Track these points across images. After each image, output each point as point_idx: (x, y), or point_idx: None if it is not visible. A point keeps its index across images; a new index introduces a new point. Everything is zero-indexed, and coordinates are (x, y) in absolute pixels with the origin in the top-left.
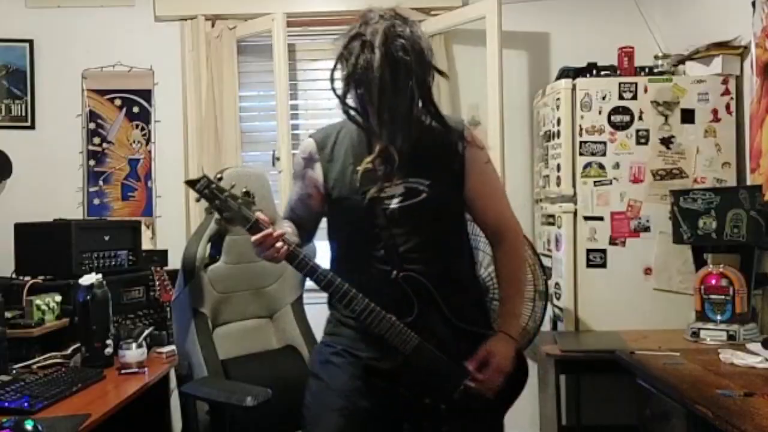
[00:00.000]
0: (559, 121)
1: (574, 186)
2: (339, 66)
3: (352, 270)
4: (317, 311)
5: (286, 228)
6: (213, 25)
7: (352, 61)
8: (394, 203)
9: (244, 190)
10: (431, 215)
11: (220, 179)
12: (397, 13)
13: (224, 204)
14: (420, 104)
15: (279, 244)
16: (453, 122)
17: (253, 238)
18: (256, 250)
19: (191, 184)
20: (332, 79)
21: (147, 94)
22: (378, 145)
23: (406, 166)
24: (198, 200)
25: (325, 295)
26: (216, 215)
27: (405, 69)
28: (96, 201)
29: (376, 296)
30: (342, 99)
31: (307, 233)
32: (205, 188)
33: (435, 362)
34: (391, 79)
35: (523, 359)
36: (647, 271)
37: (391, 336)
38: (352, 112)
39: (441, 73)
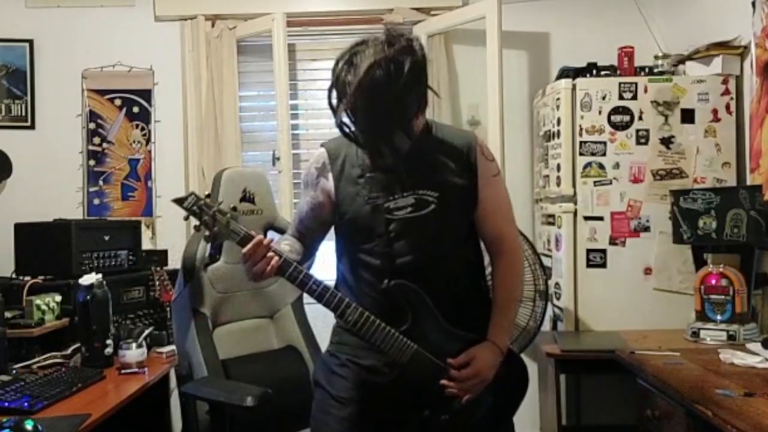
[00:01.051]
0: (559, 121)
1: (574, 186)
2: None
3: (353, 279)
4: (318, 311)
5: (283, 246)
6: (213, 25)
7: (336, 79)
8: (401, 214)
9: (231, 206)
10: (437, 227)
11: (208, 196)
12: (393, 35)
13: (213, 220)
14: (402, 121)
15: (270, 254)
16: (463, 134)
17: (245, 249)
18: (247, 266)
19: (179, 201)
20: (330, 95)
21: (147, 94)
22: (384, 157)
23: (415, 178)
24: (186, 218)
25: None
26: (205, 231)
27: (380, 91)
28: (96, 201)
29: (372, 305)
30: (336, 113)
31: (310, 247)
32: (193, 205)
33: (433, 372)
34: (366, 100)
35: (523, 367)
36: (647, 271)
37: (387, 346)
38: (345, 128)
39: (432, 90)
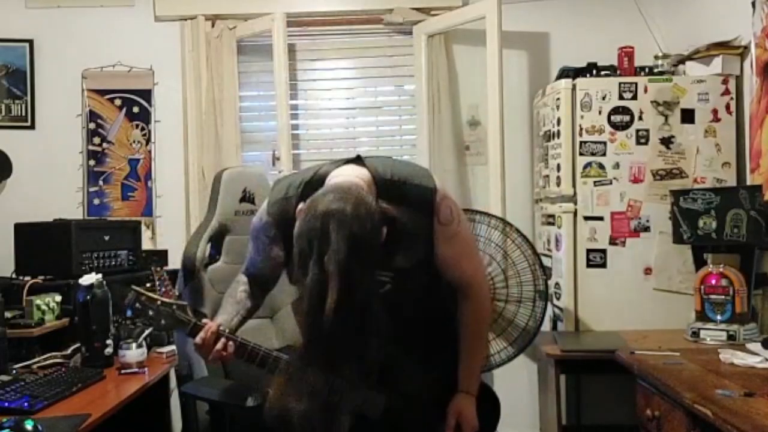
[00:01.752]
0: (559, 121)
1: (574, 186)
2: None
3: None
4: None
5: (239, 294)
6: (213, 25)
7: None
8: None
9: (177, 293)
10: (398, 304)
11: (151, 288)
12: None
13: (158, 314)
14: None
15: (220, 344)
16: (419, 196)
17: (195, 340)
18: (202, 353)
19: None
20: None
21: (147, 94)
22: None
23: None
24: (128, 317)
25: None
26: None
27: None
28: (96, 201)
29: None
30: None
31: (268, 283)
32: (134, 303)
33: (405, 420)
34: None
35: (494, 398)
36: (647, 271)
37: (360, 407)
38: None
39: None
